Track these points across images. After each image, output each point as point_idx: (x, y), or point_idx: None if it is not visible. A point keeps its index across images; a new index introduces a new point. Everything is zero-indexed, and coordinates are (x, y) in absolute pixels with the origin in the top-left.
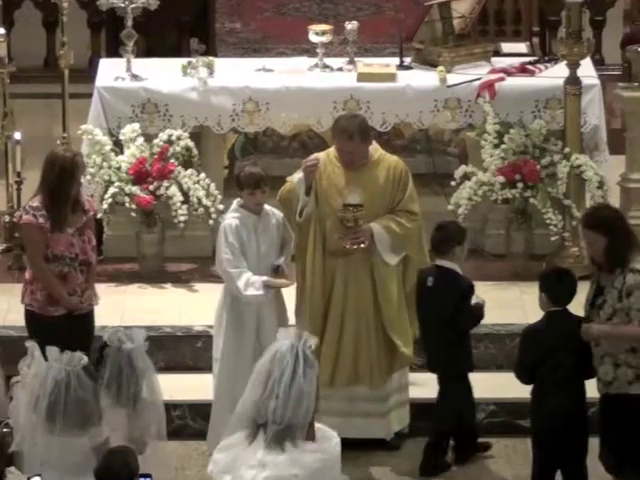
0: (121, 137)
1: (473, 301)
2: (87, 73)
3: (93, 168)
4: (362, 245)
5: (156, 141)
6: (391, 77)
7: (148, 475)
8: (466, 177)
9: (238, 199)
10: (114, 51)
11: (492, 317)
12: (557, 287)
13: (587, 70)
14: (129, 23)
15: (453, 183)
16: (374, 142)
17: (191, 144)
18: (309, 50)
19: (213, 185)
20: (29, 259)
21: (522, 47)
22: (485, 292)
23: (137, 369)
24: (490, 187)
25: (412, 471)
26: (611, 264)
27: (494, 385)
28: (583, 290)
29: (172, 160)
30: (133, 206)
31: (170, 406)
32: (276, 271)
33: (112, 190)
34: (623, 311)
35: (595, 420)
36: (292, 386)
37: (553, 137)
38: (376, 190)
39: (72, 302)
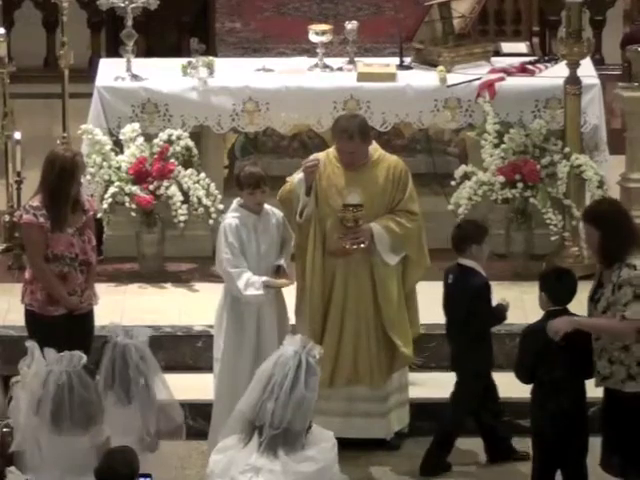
0: (121, 137)
1: (496, 301)
2: (87, 73)
3: (93, 168)
4: (362, 245)
5: (156, 141)
6: (391, 77)
7: (148, 475)
8: (466, 177)
9: (238, 199)
10: (114, 51)
11: None
12: (557, 287)
13: (587, 70)
14: (129, 23)
15: (453, 183)
16: (374, 142)
17: (191, 144)
18: (309, 50)
19: (213, 185)
20: (29, 259)
21: (522, 47)
22: None
23: (131, 365)
24: (490, 187)
25: (412, 471)
26: (602, 258)
27: None
28: (583, 290)
29: (172, 160)
30: (133, 206)
31: None
32: (277, 271)
33: (112, 190)
34: (614, 305)
35: (595, 420)
36: (293, 391)
37: (553, 137)
38: (376, 190)
39: (72, 302)
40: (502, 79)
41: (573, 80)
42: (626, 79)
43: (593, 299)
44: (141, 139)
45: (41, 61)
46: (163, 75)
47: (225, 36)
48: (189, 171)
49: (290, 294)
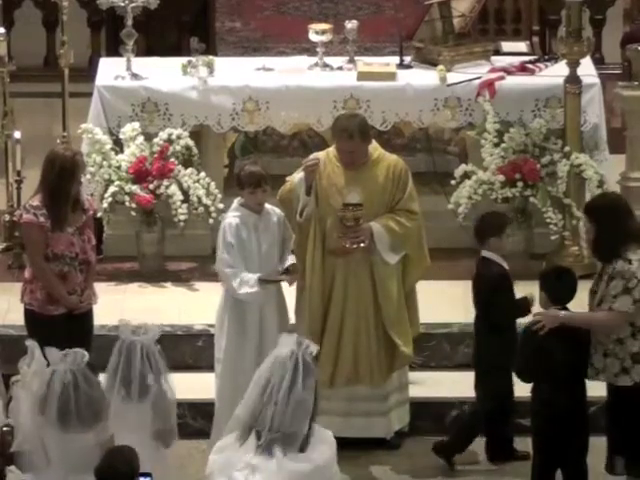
0: (121, 136)
1: (520, 295)
2: (87, 72)
3: (93, 167)
4: (362, 244)
5: (156, 140)
6: (391, 76)
7: (148, 474)
8: (466, 176)
9: (239, 198)
10: (114, 50)
11: None
12: (557, 286)
13: (587, 69)
14: (129, 22)
15: (453, 182)
16: (373, 141)
17: (191, 143)
18: (309, 49)
19: (213, 184)
20: (29, 258)
21: (522, 46)
22: None
23: (135, 362)
24: (490, 186)
25: (412, 470)
26: (594, 252)
27: None
28: (583, 289)
29: (172, 159)
30: (133, 205)
31: None
32: (287, 272)
33: (112, 189)
34: (606, 296)
35: (595, 420)
36: (291, 395)
37: (553, 136)
38: (376, 189)
39: (72, 301)
40: (502, 78)
41: (573, 79)
42: (626, 78)
43: (593, 292)
44: (141, 138)
45: (41, 60)
46: (163, 74)
47: (225, 35)
48: (189, 170)
49: (290, 294)
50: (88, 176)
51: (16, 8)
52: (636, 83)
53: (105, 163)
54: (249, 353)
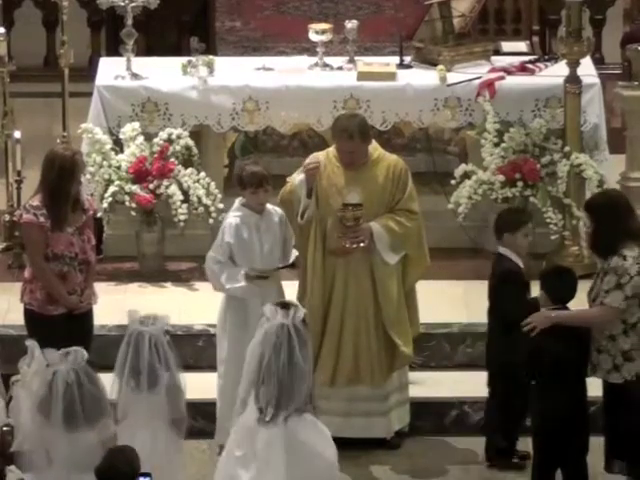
0: (121, 136)
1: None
2: (87, 72)
3: (93, 167)
4: (362, 244)
5: (156, 140)
6: (391, 76)
7: (148, 474)
8: (466, 176)
9: (240, 198)
10: (114, 50)
11: None
12: (557, 285)
13: (587, 69)
14: (129, 22)
15: (453, 182)
16: (373, 141)
17: (191, 143)
18: (309, 49)
19: (213, 184)
20: (29, 258)
21: (522, 46)
22: (485, 291)
23: (142, 352)
24: (490, 186)
25: (412, 470)
26: (592, 248)
27: None
28: (583, 288)
29: (172, 159)
30: (133, 205)
31: None
32: (292, 266)
33: (112, 189)
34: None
35: (595, 419)
36: (291, 368)
37: (553, 136)
38: (375, 189)
39: (72, 301)
40: (502, 78)
41: (573, 79)
42: (626, 78)
43: (591, 291)
44: (141, 138)
45: (41, 60)
46: (163, 74)
47: (225, 35)
48: (189, 170)
49: (291, 294)
50: (88, 176)
51: (16, 8)
52: (636, 83)
53: (105, 163)
54: None
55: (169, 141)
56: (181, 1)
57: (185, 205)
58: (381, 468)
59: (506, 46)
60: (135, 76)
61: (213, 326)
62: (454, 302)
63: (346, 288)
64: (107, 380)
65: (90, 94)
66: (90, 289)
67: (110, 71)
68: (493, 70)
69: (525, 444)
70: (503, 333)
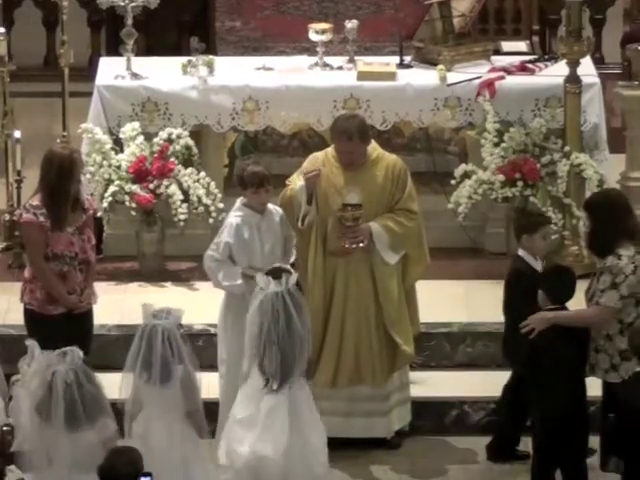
0: (121, 136)
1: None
2: (87, 72)
3: (93, 167)
4: (361, 244)
5: (156, 140)
6: (391, 76)
7: (148, 474)
8: (466, 176)
9: (241, 198)
10: (114, 50)
11: (492, 315)
12: (557, 284)
13: (587, 69)
14: (129, 22)
15: (453, 182)
16: (372, 141)
17: (191, 143)
18: (309, 49)
19: (213, 184)
20: (29, 258)
21: (522, 46)
22: (485, 290)
23: (155, 345)
24: (490, 186)
25: (412, 470)
26: (589, 247)
27: (494, 384)
28: (583, 288)
29: (172, 159)
30: (133, 205)
31: None
32: (293, 266)
33: (112, 189)
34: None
35: (595, 419)
36: (290, 336)
37: (553, 136)
38: (375, 189)
39: (71, 301)
40: (502, 78)
41: (573, 79)
42: (626, 78)
43: (588, 291)
44: (141, 138)
45: (41, 60)
46: (163, 74)
47: (225, 35)
48: (189, 170)
49: None
50: (88, 176)
51: (16, 8)
52: (636, 83)
53: (105, 163)
54: None
55: (169, 141)
56: (181, 1)
57: (185, 205)
58: (381, 468)
59: (506, 46)
60: (135, 76)
61: (213, 326)
62: (454, 302)
63: (346, 288)
64: (107, 380)
65: (90, 94)
66: (90, 289)
67: (110, 71)
68: (493, 70)
69: (525, 444)
70: (515, 329)
